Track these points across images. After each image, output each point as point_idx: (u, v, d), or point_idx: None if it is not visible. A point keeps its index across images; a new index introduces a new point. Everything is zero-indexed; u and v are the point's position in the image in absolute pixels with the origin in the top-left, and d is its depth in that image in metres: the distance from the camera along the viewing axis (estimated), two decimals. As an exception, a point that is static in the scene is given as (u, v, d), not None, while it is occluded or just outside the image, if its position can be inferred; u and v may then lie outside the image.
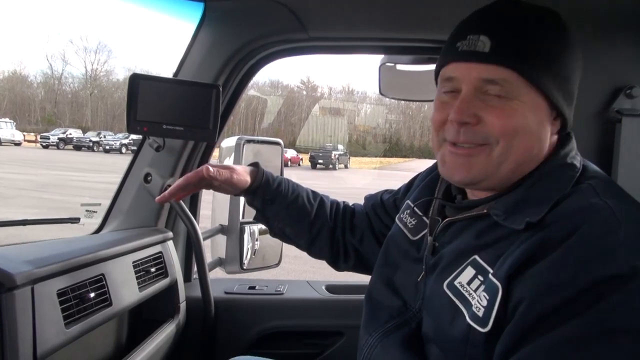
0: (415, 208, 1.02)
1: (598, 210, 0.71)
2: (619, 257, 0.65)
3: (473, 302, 0.75)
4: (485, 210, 0.81)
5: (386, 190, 1.25)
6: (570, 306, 0.64)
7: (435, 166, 1.06)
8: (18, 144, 33.31)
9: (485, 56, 0.77)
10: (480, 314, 0.73)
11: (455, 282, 0.80)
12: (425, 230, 0.96)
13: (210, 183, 1.10)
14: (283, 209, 1.18)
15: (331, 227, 1.21)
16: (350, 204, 1.30)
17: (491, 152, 0.79)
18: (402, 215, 1.06)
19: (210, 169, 1.08)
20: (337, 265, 1.24)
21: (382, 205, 1.20)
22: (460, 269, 0.81)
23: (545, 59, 0.78)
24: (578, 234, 0.68)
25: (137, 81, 1.23)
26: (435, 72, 0.88)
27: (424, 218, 0.99)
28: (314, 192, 1.25)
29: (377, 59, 1.56)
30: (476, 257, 0.79)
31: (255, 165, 1.19)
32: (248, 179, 1.14)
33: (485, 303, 0.73)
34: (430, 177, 1.07)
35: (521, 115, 0.77)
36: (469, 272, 0.79)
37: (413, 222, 1.01)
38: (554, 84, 0.79)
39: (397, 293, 0.94)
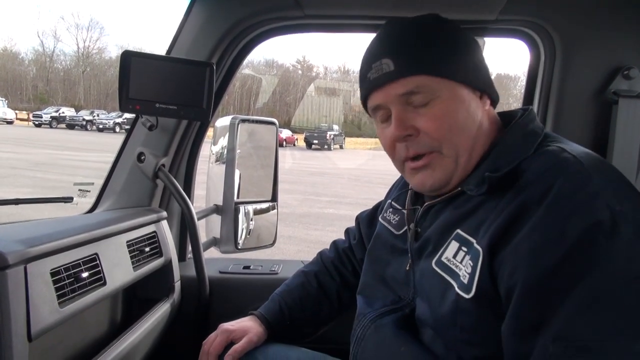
0: (394, 204, 1.07)
1: (569, 165, 0.72)
2: (600, 204, 0.66)
3: (460, 273, 0.77)
4: (459, 189, 0.85)
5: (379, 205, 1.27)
6: (569, 265, 0.63)
7: None
8: (10, 123, 33.03)
9: (394, 74, 0.83)
10: (465, 281, 0.75)
11: (443, 258, 0.83)
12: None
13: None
14: (300, 312, 1.22)
15: (342, 282, 1.26)
16: (344, 240, 1.34)
17: (442, 156, 0.84)
18: (385, 214, 1.10)
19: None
20: None
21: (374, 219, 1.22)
22: (445, 244, 0.83)
23: (445, 51, 0.83)
24: (553, 191, 0.69)
25: (129, 59, 1.21)
26: (363, 105, 0.93)
27: (403, 211, 1.02)
28: (305, 272, 1.29)
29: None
30: (458, 230, 0.81)
31: (251, 315, 1.23)
32: (260, 326, 1.19)
33: (470, 270, 0.75)
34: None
35: (449, 111, 0.82)
36: (454, 246, 0.81)
37: (396, 219, 1.05)
38: (465, 68, 0.84)
39: (390, 287, 0.97)
